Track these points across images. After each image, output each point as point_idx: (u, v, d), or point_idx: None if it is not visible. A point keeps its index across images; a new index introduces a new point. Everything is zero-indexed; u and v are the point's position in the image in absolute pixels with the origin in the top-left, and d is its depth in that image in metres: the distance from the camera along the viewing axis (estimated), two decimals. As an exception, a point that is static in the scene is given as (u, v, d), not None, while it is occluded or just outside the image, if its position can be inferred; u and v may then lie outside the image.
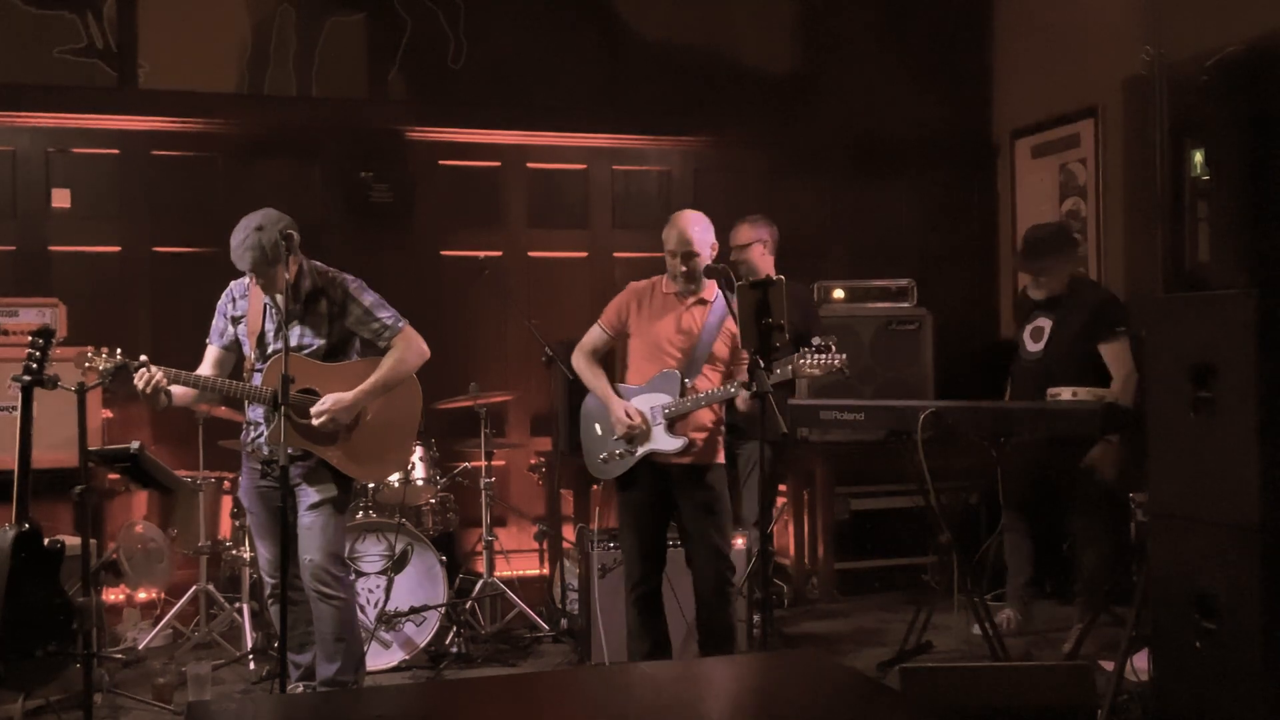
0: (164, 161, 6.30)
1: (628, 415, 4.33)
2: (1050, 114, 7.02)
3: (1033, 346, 5.38)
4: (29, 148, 6.12)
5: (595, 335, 4.57)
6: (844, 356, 4.12)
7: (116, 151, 6.24)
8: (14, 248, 6.08)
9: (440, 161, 6.70)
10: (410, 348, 4.23)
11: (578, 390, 5.92)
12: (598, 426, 4.52)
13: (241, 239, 4.05)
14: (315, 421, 4.07)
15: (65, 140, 6.18)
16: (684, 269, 4.35)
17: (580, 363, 4.56)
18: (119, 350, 4.04)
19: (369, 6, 6.62)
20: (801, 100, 7.18)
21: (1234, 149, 3.94)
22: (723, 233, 4.62)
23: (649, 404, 4.36)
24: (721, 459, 4.46)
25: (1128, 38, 5.96)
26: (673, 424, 4.32)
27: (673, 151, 7.11)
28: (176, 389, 4.08)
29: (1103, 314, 5.24)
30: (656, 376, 4.38)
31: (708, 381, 4.35)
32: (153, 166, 6.28)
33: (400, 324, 4.24)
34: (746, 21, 7.18)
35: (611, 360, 4.66)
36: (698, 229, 4.36)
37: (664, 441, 4.33)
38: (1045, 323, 5.35)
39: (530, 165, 6.88)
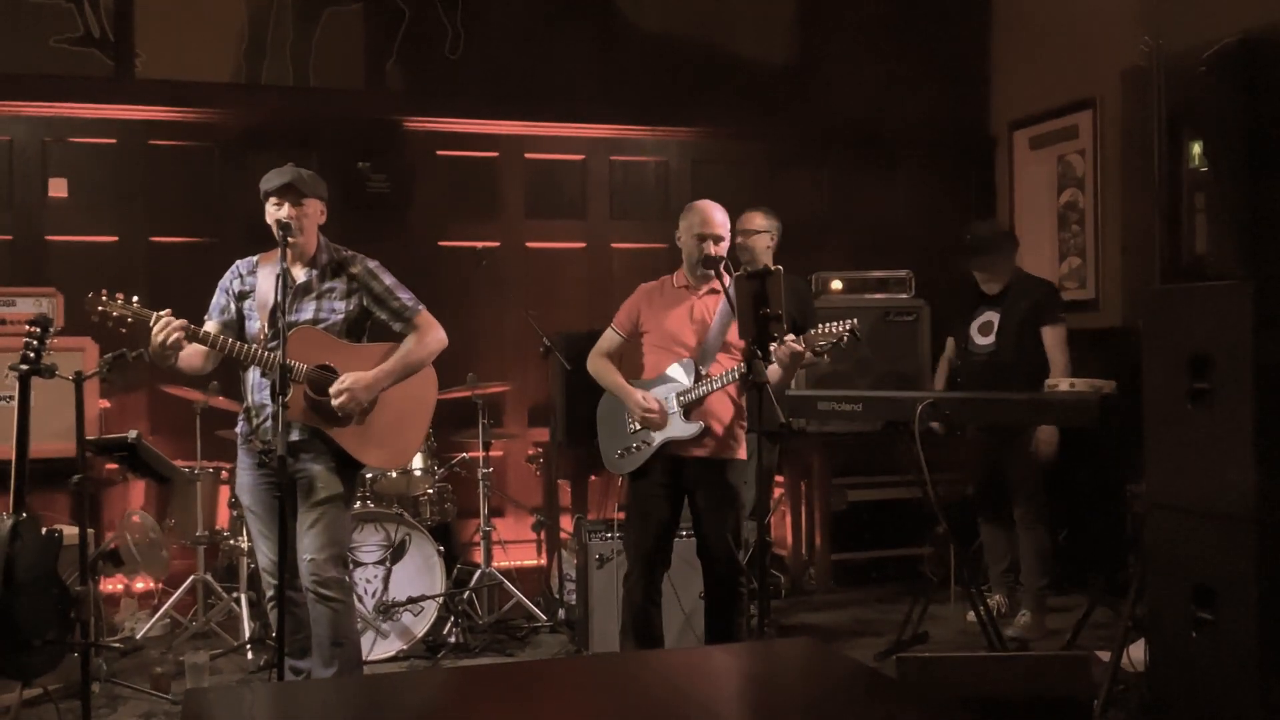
0: (161, 151, 6.29)
1: (645, 401, 4.27)
2: (1048, 105, 7.02)
3: (983, 340, 5.51)
4: (26, 137, 6.12)
5: (608, 338, 4.50)
6: (853, 321, 4.10)
7: (113, 141, 6.24)
8: (11, 237, 6.08)
9: (438, 152, 6.70)
10: (431, 333, 4.12)
11: (575, 381, 5.93)
12: (613, 422, 4.44)
13: (280, 168, 4.01)
14: (334, 401, 3.90)
15: (62, 130, 6.17)
16: (713, 251, 4.27)
17: (594, 364, 4.50)
18: (135, 298, 3.81)
19: (366, -4, 6.62)
20: (799, 91, 7.18)
21: (1232, 140, 3.93)
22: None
23: (664, 393, 4.29)
24: (742, 455, 4.34)
25: (1126, 29, 5.96)
26: (688, 411, 4.25)
27: (670, 142, 7.10)
28: (185, 349, 3.87)
29: (1045, 301, 5.45)
30: (670, 367, 4.32)
31: (723, 368, 4.25)
32: (150, 156, 6.27)
33: (419, 307, 4.14)
34: (744, 12, 7.18)
35: (628, 367, 4.56)
36: (725, 214, 4.36)
37: (680, 428, 4.25)
38: (993, 316, 5.50)
39: (528, 156, 6.88)
